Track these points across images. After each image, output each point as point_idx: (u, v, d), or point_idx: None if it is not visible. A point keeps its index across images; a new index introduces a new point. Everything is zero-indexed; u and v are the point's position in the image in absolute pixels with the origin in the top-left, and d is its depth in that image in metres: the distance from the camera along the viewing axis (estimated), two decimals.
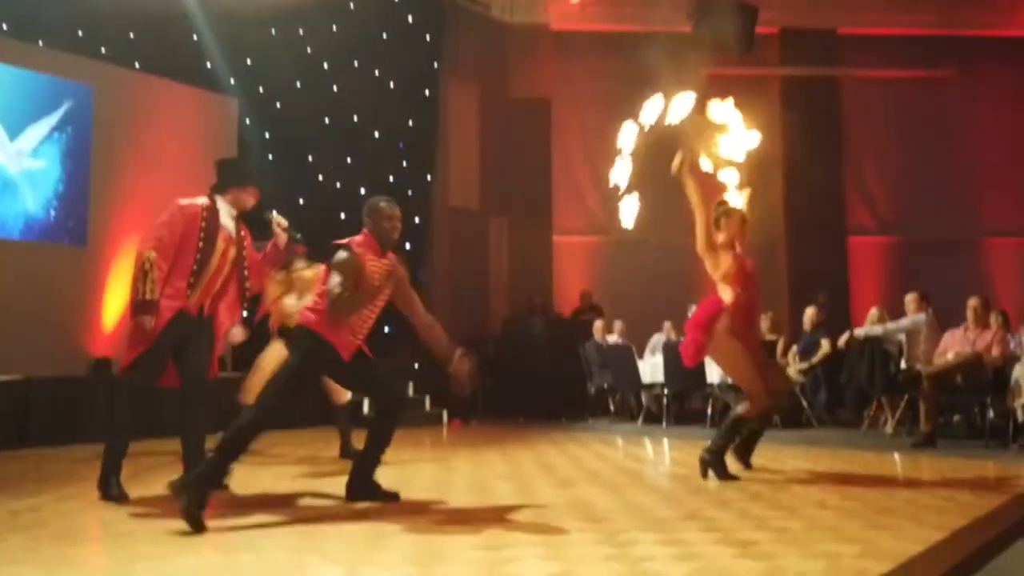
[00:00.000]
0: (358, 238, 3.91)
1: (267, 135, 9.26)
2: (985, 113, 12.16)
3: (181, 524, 3.20)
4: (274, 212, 4.41)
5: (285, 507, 3.89)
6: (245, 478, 4.70)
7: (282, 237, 4.37)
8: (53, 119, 7.76)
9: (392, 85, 10.25)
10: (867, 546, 2.99)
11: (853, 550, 2.92)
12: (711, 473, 4.75)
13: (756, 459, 5.24)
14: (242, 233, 4.29)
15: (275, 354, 5.32)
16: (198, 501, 3.26)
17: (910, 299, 7.59)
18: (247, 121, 9.20)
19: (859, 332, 7.80)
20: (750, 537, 3.15)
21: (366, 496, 3.93)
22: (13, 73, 7.45)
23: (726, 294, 4.79)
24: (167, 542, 3.09)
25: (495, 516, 3.60)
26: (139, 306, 3.92)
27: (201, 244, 4.04)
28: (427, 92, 10.52)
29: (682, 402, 9.34)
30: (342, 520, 3.54)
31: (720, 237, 4.88)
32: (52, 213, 7.73)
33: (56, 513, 3.70)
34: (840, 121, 12.24)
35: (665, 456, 6.14)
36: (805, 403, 8.25)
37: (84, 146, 7.95)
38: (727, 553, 2.90)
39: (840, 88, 12.30)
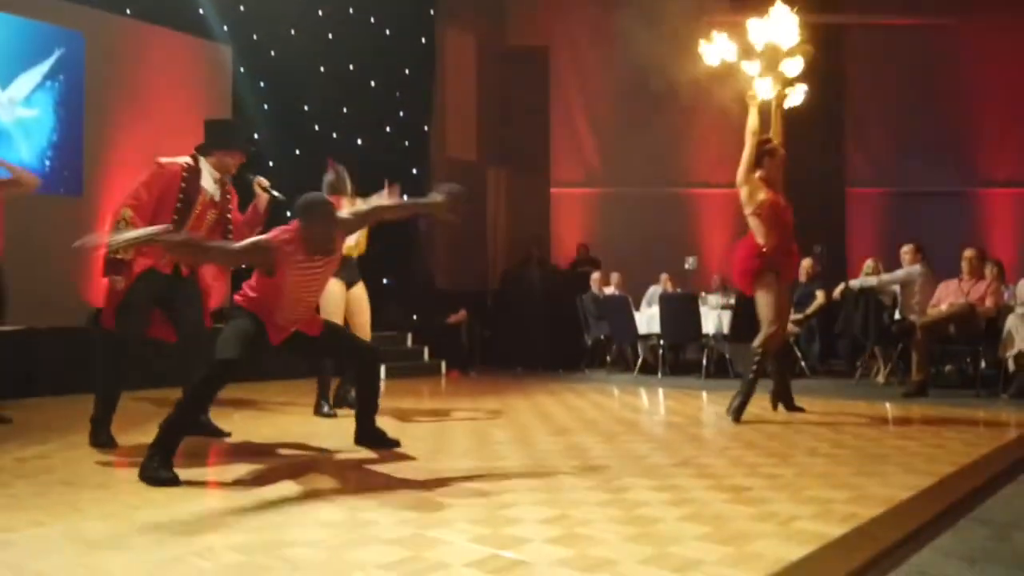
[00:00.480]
0: (285, 236, 3.54)
1: (261, 84, 9.14)
2: (987, 62, 12.04)
3: (184, 472, 3.27)
4: (256, 175, 4.39)
5: (287, 454, 3.96)
6: (247, 426, 4.78)
7: (263, 199, 4.37)
8: (44, 67, 7.66)
9: (388, 33, 10.10)
10: (857, 492, 3.06)
11: (843, 496, 3.00)
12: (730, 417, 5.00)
13: (749, 408, 5.32)
14: (228, 195, 4.27)
15: (331, 292, 5.03)
16: (164, 463, 3.27)
17: (906, 250, 7.62)
18: (241, 70, 9.08)
19: (854, 283, 7.85)
20: (742, 483, 3.23)
21: (371, 443, 4.00)
22: (3, 19, 7.33)
23: (758, 233, 5.11)
24: (170, 489, 3.15)
25: (493, 463, 3.67)
26: (108, 265, 3.95)
27: (179, 205, 4.05)
28: (423, 40, 10.38)
29: (678, 353, 9.44)
30: (343, 467, 3.61)
31: (758, 173, 5.17)
32: (47, 163, 7.68)
33: (63, 460, 3.76)
34: (842, 68, 12.11)
35: (660, 405, 6.22)
36: (799, 353, 8.35)
37: (77, 94, 7.86)
38: (720, 499, 2.97)
39: (842, 35, 12.15)
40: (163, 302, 4.12)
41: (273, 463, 3.69)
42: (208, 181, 4.17)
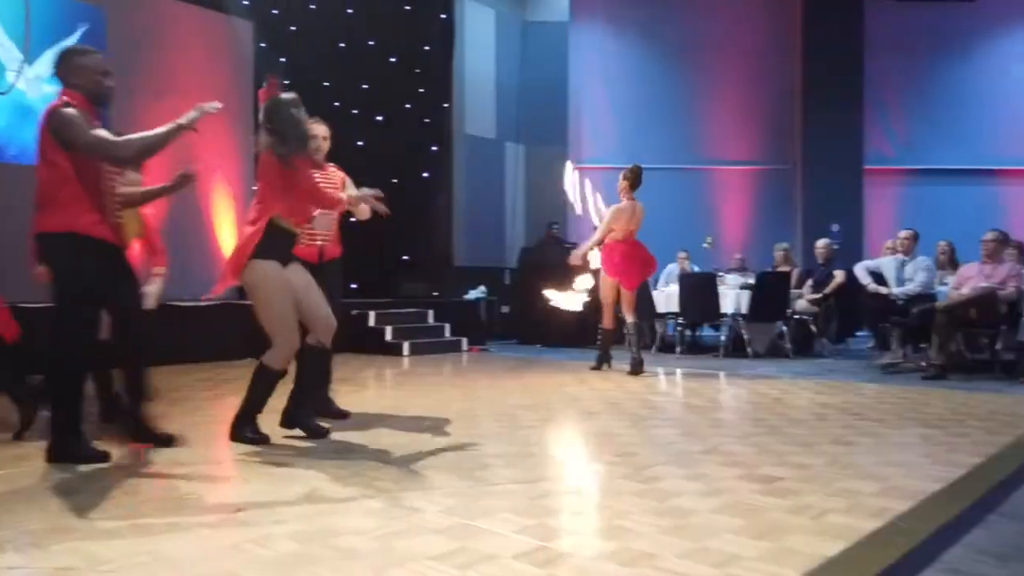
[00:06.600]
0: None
1: (282, 59, 9.15)
2: (1008, 37, 11.92)
3: (228, 455, 3.35)
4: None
5: (326, 436, 4.03)
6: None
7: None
8: (68, 43, 7.68)
9: (408, 8, 10.06)
10: (885, 483, 3.12)
11: (872, 488, 3.06)
12: None
13: (770, 390, 5.38)
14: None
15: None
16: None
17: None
18: (262, 45, 9.09)
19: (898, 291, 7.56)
20: (772, 473, 3.29)
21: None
22: None
23: None
24: (219, 472, 3.24)
25: (526, 448, 3.74)
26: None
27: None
28: (443, 15, 10.33)
29: (695, 331, 9.50)
30: (378, 450, 3.69)
31: None
32: None
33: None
34: (862, 43, 11.99)
35: (680, 387, 6.28)
36: (815, 331, 8.40)
37: None
38: (750, 489, 3.03)
39: (864, 9, 12.02)
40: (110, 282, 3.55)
41: (311, 445, 3.78)
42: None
